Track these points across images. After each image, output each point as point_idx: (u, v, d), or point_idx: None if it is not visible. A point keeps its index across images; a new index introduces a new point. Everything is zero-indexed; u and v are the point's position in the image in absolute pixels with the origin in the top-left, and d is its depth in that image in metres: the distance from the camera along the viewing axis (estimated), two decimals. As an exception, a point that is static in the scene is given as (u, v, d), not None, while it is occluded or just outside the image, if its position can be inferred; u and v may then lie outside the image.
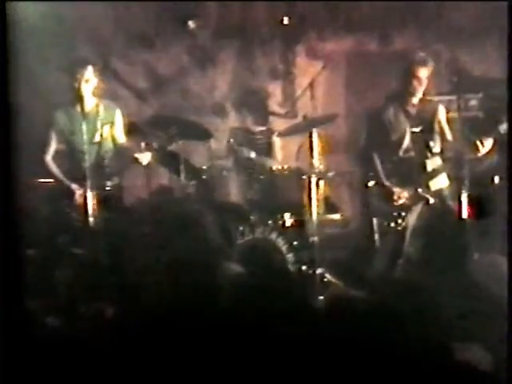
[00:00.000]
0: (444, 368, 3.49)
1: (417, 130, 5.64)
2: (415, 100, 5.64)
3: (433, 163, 5.65)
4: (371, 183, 5.69)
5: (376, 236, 5.96)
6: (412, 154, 5.67)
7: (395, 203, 5.59)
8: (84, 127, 5.34)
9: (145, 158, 5.51)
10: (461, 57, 7.31)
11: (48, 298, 5.07)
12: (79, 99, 5.41)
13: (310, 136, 5.72)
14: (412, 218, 5.61)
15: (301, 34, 7.45)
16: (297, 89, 7.30)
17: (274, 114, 6.46)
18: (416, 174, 5.62)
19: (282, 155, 6.62)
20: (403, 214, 5.58)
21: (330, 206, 6.07)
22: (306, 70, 7.27)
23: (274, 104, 7.29)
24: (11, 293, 3.80)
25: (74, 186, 5.50)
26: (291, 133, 6.34)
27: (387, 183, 5.66)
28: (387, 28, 7.50)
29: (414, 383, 3.44)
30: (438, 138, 5.70)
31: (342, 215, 6.40)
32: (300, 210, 5.89)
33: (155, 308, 4.45)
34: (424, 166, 5.62)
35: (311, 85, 6.10)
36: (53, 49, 6.58)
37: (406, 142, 5.67)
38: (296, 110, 6.99)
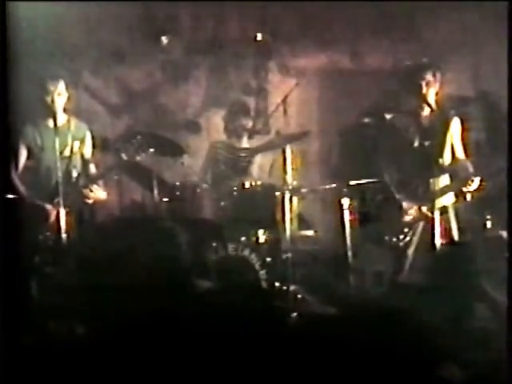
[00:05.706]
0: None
1: (426, 143, 5.20)
2: (427, 111, 5.23)
3: (440, 181, 5.26)
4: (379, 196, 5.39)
5: (349, 253, 5.97)
6: (419, 168, 5.23)
7: (402, 218, 5.23)
8: (57, 142, 5.28)
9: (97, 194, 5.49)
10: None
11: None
12: (51, 114, 5.35)
13: (283, 152, 5.73)
14: (415, 236, 5.25)
15: (273, 50, 7.46)
16: (270, 105, 7.29)
17: (246, 129, 6.45)
18: (421, 191, 5.22)
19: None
20: (406, 230, 5.23)
21: (303, 223, 6.08)
22: (279, 86, 7.29)
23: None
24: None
25: (41, 203, 5.41)
26: (264, 149, 6.35)
27: (398, 196, 5.26)
28: (359, 45, 7.54)
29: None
30: (448, 154, 5.29)
31: (315, 231, 6.40)
32: (273, 227, 5.89)
33: (128, 325, 4.39)
34: (429, 184, 5.15)
35: (284, 101, 6.10)
36: (24, 63, 6.53)
37: (413, 155, 5.25)
38: (269, 126, 6.98)
